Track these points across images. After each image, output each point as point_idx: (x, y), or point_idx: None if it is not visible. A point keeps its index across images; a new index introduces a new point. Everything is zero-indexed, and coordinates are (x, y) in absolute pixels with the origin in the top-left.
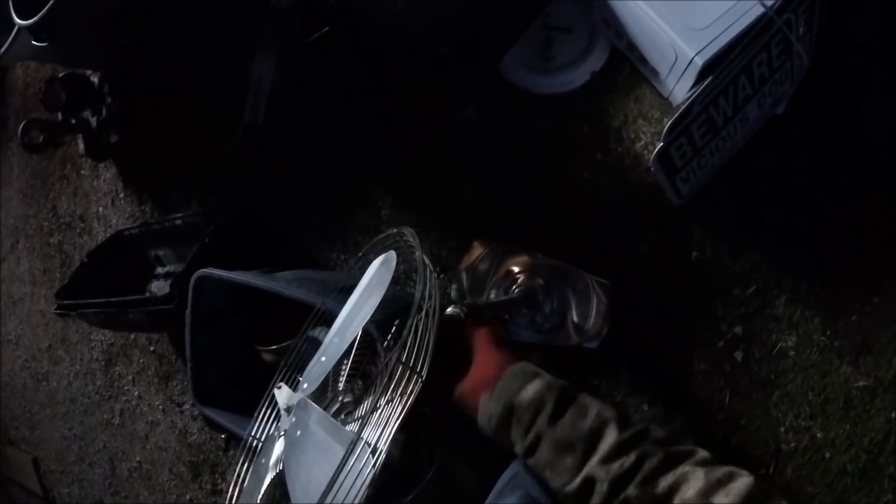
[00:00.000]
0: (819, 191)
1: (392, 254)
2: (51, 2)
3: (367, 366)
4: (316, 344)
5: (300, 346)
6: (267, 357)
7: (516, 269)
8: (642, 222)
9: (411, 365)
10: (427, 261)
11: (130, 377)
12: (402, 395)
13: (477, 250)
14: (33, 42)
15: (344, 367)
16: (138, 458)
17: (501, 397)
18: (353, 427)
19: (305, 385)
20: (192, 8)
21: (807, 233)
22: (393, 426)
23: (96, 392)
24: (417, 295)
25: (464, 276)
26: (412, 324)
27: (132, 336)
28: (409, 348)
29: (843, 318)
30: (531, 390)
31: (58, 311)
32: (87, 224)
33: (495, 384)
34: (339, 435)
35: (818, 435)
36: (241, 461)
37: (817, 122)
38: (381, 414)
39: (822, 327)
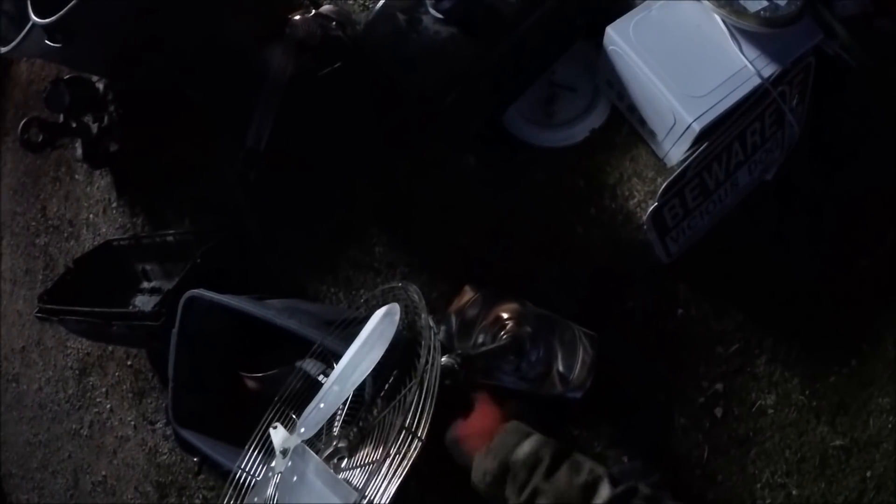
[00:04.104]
0: (802, 256)
1: (396, 307)
2: (71, 3)
3: (363, 413)
4: (304, 376)
5: (294, 383)
6: (250, 384)
7: (505, 316)
8: (631, 278)
9: (413, 429)
10: (432, 323)
11: (104, 389)
12: (403, 457)
13: (467, 295)
14: (46, 41)
15: (339, 413)
16: (104, 473)
17: (497, 455)
18: (347, 475)
19: (303, 430)
20: (206, 30)
21: (789, 296)
22: (394, 486)
23: (67, 400)
24: (422, 361)
25: (453, 318)
26: (417, 389)
27: (110, 348)
28: (412, 414)
29: (822, 380)
30: (526, 447)
31: (39, 315)
32: (76, 229)
33: (490, 441)
34: (339, 490)
35: (794, 492)
36: (229, 493)
37: (801, 189)
38: (381, 471)
39: (800, 387)
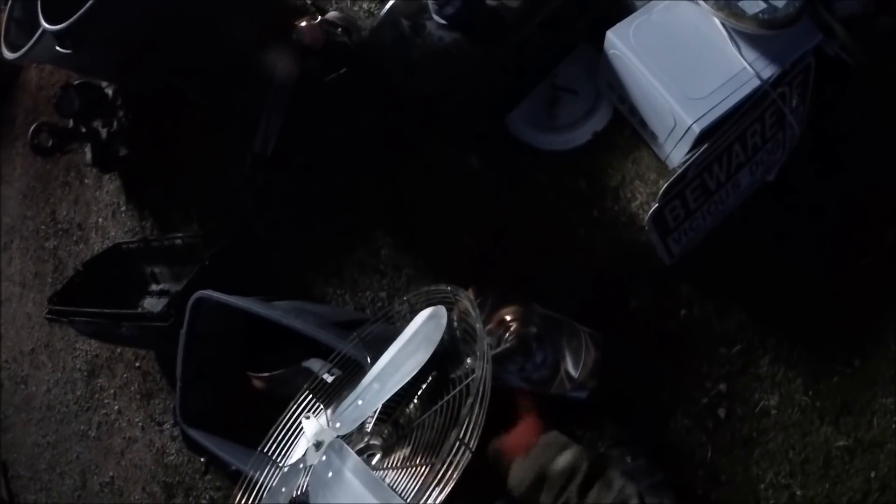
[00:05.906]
0: (804, 255)
1: (442, 309)
2: (81, 10)
3: (400, 413)
4: (309, 374)
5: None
6: (257, 384)
7: (509, 318)
8: (634, 279)
9: (467, 441)
10: (484, 333)
11: (112, 391)
12: (452, 466)
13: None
14: (57, 47)
15: (374, 410)
16: (111, 474)
17: (536, 463)
18: (380, 475)
19: (339, 425)
20: (213, 37)
21: (791, 296)
22: (442, 497)
23: (75, 402)
24: (479, 373)
25: (455, 323)
26: (471, 401)
27: (118, 350)
28: (466, 426)
29: (825, 379)
30: (564, 459)
31: (49, 316)
32: (85, 233)
33: (530, 450)
34: (380, 493)
35: (798, 493)
36: (253, 474)
37: (803, 189)
38: (431, 482)
39: (803, 388)
